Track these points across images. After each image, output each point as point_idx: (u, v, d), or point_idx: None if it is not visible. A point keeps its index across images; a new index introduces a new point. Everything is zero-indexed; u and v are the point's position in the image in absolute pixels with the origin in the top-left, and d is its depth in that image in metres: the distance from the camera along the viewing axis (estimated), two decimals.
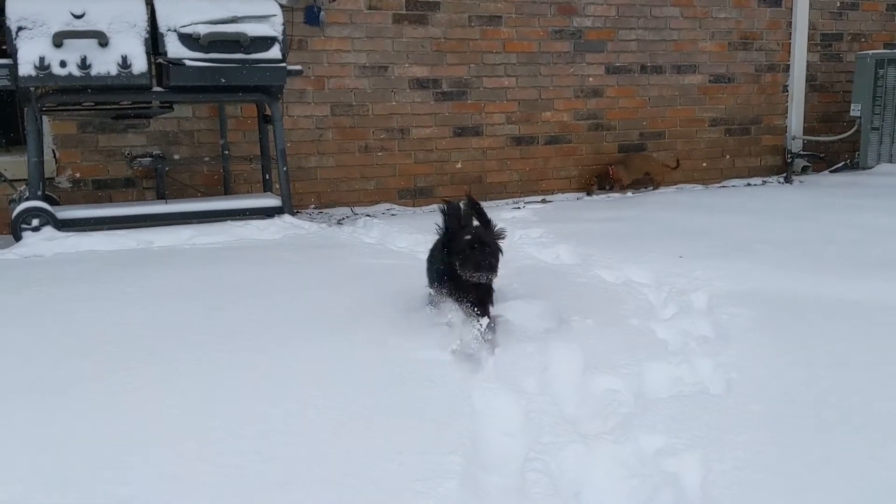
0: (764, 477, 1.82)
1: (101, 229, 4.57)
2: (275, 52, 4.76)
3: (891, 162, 7.12)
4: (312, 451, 1.97)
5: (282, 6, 4.99)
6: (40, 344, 2.68)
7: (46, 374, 2.41)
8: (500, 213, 5.49)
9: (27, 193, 4.63)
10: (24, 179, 4.86)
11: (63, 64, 4.38)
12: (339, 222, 5.52)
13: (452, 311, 2.81)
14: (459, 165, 6.52)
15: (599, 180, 6.83)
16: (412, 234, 4.70)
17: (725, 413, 2.14)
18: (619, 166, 6.81)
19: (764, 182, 7.46)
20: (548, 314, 3.07)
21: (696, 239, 4.35)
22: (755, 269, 3.59)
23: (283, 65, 4.80)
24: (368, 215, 5.72)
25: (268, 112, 5.15)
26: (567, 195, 6.83)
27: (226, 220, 4.78)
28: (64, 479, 1.83)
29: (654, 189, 6.93)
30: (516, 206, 6.20)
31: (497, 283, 3.39)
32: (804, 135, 7.74)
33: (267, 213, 4.95)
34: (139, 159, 5.36)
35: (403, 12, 6.15)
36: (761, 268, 3.61)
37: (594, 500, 1.79)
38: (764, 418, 2.12)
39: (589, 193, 6.81)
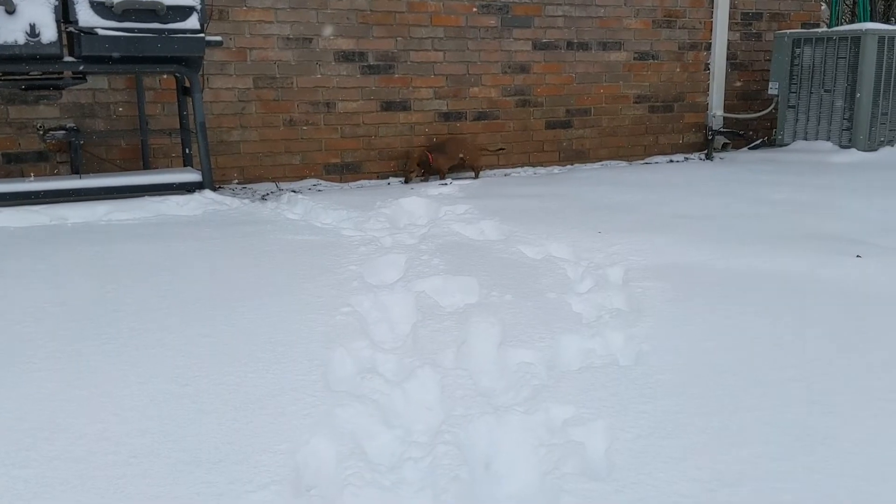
0: (665, 444, 1.88)
1: (12, 205, 4.39)
2: (193, 22, 4.62)
3: (805, 139, 7.38)
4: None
5: None
6: None
7: None
8: (427, 190, 5.50)
9: None
10: None
11: None
12: (263, 198, 5.43)
13: None
14: (387, 140, 6.47)
15: (422, 166, 6.28)
16: (337, 210, 4.67)
17: (633, 384, 2.21)
18: (438, 152, 6.31)
19: (686, 158, 7.64)
20: (469, 289, 3.11)
21: (616, 214, 4.44)
22: (671, 243, 3.69)
23: (202, 35, 4.67)
24: (294, 191, 5.63)
25: (187, 84, 5.01)
26: (495, 171, 6.87)
27: (144, 196, 4.66)
28: None
29: (475, 177, 6.45)
30: (443, 182, 6.20)
31: (420, 259, 3.44)
32: (725, 112, 7.94)
33: (187, 188, 4.83)
34: (52, 132, 5.15)
35: None
36: (677, 242, 3.71)
37: (504, 470, 1.83)
38: (670, 388, 2.19)
39: (407, 181, 6.28)
